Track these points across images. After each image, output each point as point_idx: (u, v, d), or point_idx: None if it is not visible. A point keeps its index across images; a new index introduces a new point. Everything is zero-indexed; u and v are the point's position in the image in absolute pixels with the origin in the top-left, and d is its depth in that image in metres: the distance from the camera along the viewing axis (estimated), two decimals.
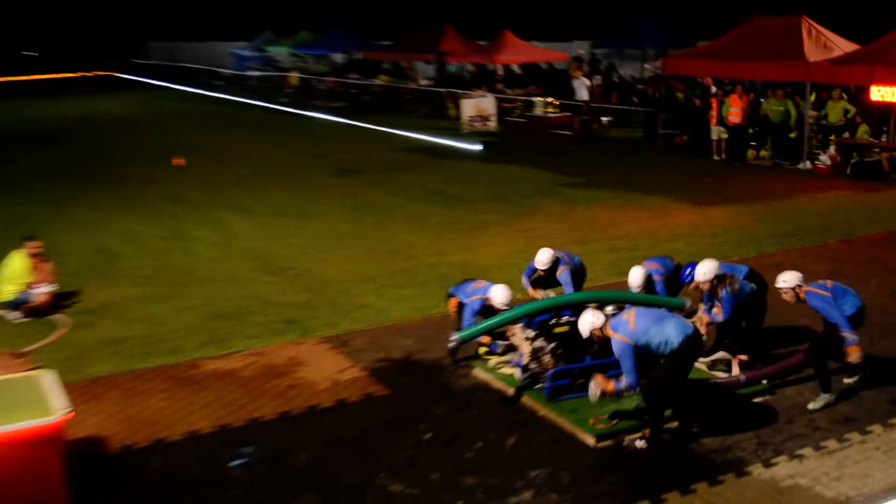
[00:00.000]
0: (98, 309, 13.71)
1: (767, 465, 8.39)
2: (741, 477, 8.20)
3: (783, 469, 8.31)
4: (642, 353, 8.61)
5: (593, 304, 9.68)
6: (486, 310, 10.62)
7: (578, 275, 11.87)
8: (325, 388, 10.53)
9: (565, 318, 10.08)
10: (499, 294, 10.53)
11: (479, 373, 10.65)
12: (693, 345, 8.73)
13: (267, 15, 61.23)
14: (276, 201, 20.97)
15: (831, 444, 8.76)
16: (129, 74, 66.90)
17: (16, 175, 25.60)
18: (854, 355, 9.33)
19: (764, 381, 9.99)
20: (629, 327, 8.62)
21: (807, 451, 8.63)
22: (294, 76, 50.88)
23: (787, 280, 9.69)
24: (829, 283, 9.77)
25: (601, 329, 8.93)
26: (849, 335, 9.23)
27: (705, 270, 10.34)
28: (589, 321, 8.99)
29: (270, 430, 9.49)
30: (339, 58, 50.78)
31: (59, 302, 13.77)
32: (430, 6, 53.94)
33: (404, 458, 8.83)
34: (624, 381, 8.63)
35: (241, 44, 58.83)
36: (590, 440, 8.95)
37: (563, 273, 11.64)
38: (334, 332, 12.34)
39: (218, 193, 22.05)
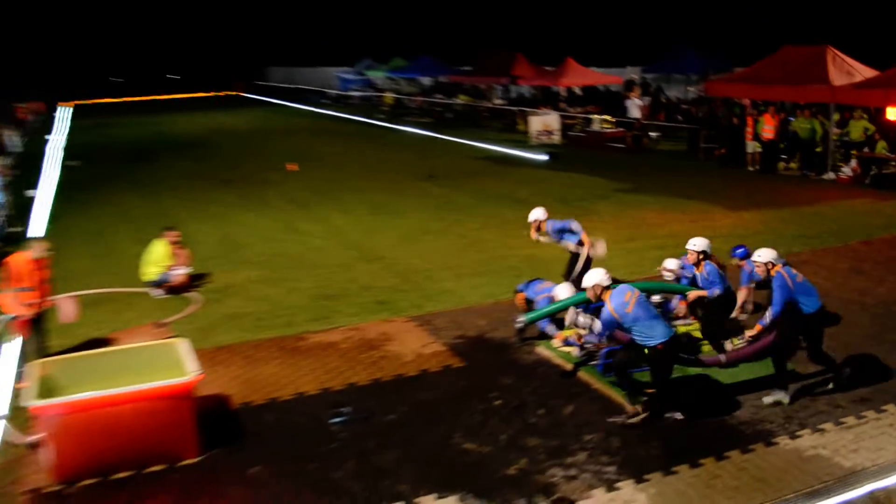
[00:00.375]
0: (224, 289, 13.94)
1: (793, 436, 8.20)
2: (769, 446, 8.02)
3: (806, 441, 8.11)
4: (621, 330, 8.46)
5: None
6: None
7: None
8: (411, 359, 10.56)
9: None
10: (563, 292, 10.45)
11: (542, 350, 10.56)
12: (674, 346, 8.47)
13: (367, 44, 61.55)
14: (373, 201, 21.09)
15: (850, 420, 8.53)
16: (252, 94, 67.91)
17: (161, 177, 26.20)
18: (751, 331, 9.24)
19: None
20: (625, 309, 8.33)
21: (828, 425, 8.41)
22: (389, 96, 51.07)
23: (761, 255, 9.07)
24: (800, 277, 9.10)
25: (601, 291, 8.68)
26: (768, 321, 8.94)
27: (695, 242, 10.04)
28: (594, 279, 8.74)
29: (364, 394, 9.56)
30: (426, 81, 50.85)
31: (192, 282, 14.04)
32: (503, 36, 53.79)
33: (477, 420, 8.82)
34: (597, 326, 8.57)
35: (345, 69, 59.26)
36: (637, 410, 8.83)
37: (547, 225, 12.46)
38: (419, 313, 12.36)
39: (324, 194, 22.25)
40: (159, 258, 13.56)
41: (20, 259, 9.94)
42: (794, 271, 9.14)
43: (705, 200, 19.78)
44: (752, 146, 24.25)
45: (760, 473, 7.54)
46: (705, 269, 10.09)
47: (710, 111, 27.53)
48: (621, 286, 8.79)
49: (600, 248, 12.21)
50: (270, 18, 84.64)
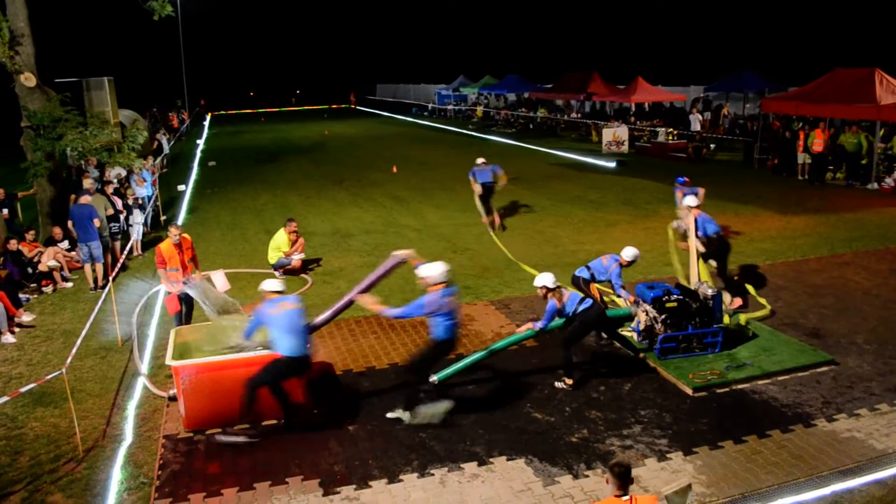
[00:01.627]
0: (333, 272, 14.16)
1: (830, 420, 7.88)
2: (808, 427, 7.74)
3: (843, 424, 7.79)
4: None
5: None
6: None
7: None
8: (490, 338, 10.54)
9: (675, 296, 9.71)
10: (628, 253, 10.12)
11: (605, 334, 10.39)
12: (294, 363, 7.66)
13: (462, 64, 61.55)
14: (462, 200, 21.05)
15: (883, 406, 8.16)
16: (363, 107, 68.70)
17: (285, 176, 26.76)
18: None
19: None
20: (271, 311, 7.62)
21: (863, 411, 8.07)
22: (479, 109, 50.96)
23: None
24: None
25: (266, 294, 7.75)
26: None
27: (540, 278, 9.00)
28: (267, 286, 7.83)
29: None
30: (512, 96, 50.57)
31: (307, 266, 14.31)
32: (581, 57, 53.08)
33: (545, 394, 8.75)
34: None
35: (442, 85, 59.38)
36: (688, 390, 8.66)
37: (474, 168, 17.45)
38: (498, 298, 12.33)
39: (421, 193, 22.37)
40: (280, 245, 13.87)
41: (165, 245, 10.32)
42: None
43: (758, 205, 19.14)
44: (802, 157, 23.37)
45: (799, 452, 7.27)
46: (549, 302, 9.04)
47: (765, 125, 26.59)
48: (290, 297, 7.94)
49: (476, 189, 17.53)
50: (380, 41, 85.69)
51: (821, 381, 8.84)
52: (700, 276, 10.86)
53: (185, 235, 10.62)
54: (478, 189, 17.42)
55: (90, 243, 13.45)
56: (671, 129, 31.87)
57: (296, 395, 8.19)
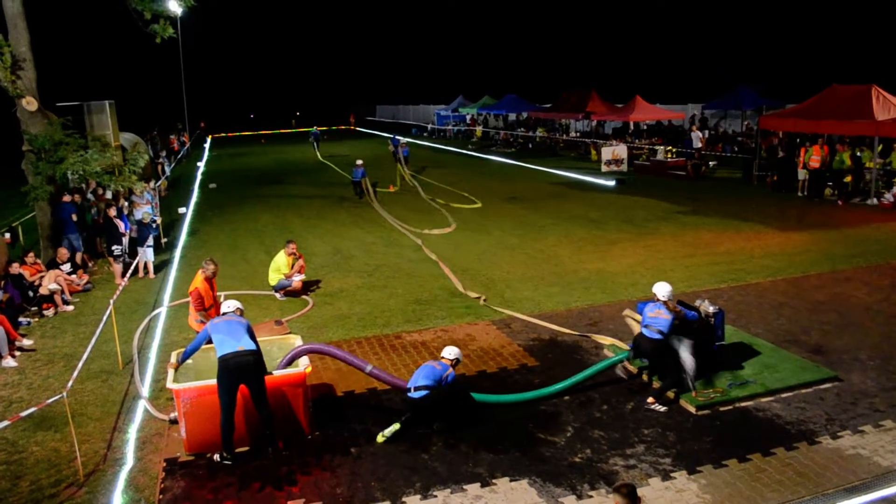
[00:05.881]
0: (334, 293, 14.14)
1: (834, 437, 7.84)
2: (812, 445, 7.69)
3: (847, 441, 7.75)
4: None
5: None
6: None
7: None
8: (492, 357, 10.51)
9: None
10: (661, 290, 9.40)
11: (608, 352, 10.39)
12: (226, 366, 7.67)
13: (460, 84, 61.93)
14: (462, 219, 21.11)
15: (888, 423, 8.12)
16: (363, 128, 68.93)
17: (285, 197, 26.81)
18: None
19: None
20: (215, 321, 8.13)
21: (867, 427, 8.03)
22: (479, 129, 51.15)
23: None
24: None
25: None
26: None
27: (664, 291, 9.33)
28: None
29: None
30: (511, 116, 50.77)
31: (307, 287, 14.30)
32: (579, 76, 53.36)
33: (549, 412, 8.72)
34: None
35: (441, 106, 59.66)
36: (691, 408, 8.61)
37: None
38: (500, 317, 12.29)
39: (420, 213, 22.39)
40: (280, 266, 13.87)
41: (201, 285, 9.85)
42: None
43: (758, 222, 19.16)
44: (802, 174, 23.45)
45: (803, 469, 7.23)
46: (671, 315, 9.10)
47: (765, 142, 26.67)
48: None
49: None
50: (380, 63, 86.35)
51: (824, 398, 8.80)
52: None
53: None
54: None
55: (70, 235, 16.01)
56: (670, 147, 31.99)
57: (299, 415, 8.17)
